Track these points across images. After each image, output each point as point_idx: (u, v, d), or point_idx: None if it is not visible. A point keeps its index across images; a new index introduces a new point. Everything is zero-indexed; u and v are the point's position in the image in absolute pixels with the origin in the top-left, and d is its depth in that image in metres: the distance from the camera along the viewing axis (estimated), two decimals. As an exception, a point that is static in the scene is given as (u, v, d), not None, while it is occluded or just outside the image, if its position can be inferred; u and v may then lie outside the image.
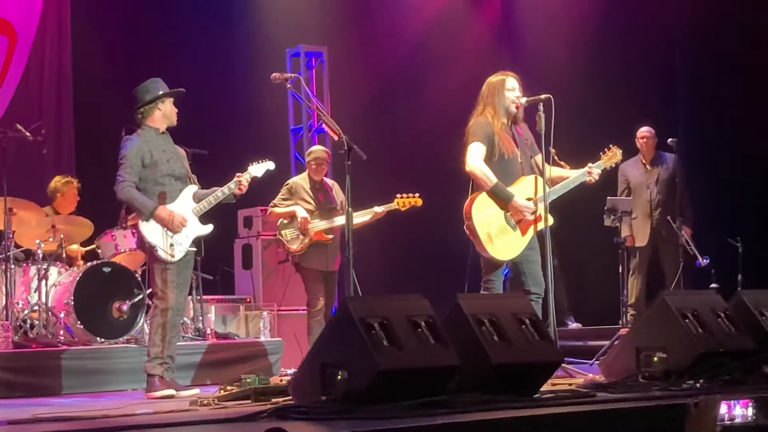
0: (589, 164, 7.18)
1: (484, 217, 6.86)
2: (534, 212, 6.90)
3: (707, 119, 11.03)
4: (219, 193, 7.14)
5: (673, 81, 11.43)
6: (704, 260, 9.48)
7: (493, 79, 7.09)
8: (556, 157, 7.32)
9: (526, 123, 8.23)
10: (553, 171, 7.11)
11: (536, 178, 6.98)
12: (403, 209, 8.83)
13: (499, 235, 6.87)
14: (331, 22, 12.26)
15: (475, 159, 6.89)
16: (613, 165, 7.38)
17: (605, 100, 11.36)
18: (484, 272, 6.99)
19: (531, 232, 6.95)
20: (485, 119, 6.98)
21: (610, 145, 7.31)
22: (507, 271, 10.96)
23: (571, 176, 7.14)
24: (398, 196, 8.80)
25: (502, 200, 6.86)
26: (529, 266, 6.98)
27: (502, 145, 6.93)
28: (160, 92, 7.08)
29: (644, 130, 10.11)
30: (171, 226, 6.87)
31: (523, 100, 7.08)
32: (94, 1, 11.28)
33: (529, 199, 6.93)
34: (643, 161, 10.13)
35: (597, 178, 7.15)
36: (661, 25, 11.54)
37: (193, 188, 7.14)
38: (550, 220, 6.90)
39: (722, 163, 10.85)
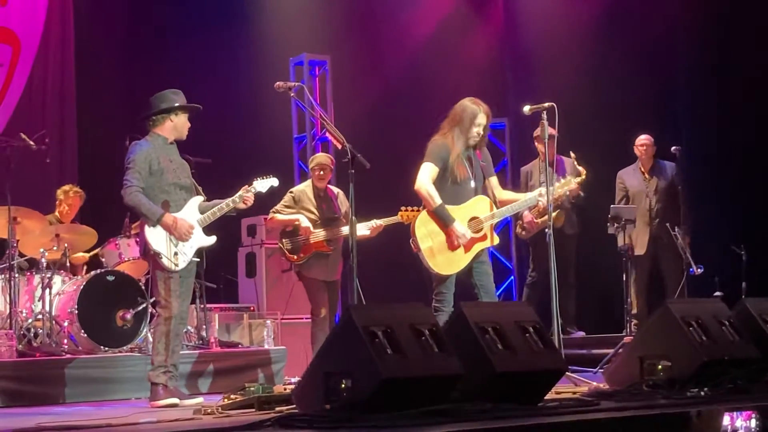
0: (540, 189, 7.33)
1: (427, 233, 7.08)
2: (477, 230, 7.09)
3: (710, 127, 11.02)
4: (224, 206, 7.13)
5: (676, 88, 11.42)
6: (698, 269, 9.44)
7: (469, 106, 7.20)
8: (575, 162, 7.41)
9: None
10: (503, 194, 7.35)
11: (485, 198, 7.22)
12: (406, 222, 8.80)
13: (441, 250, 7.06)
14: (334, 30, 12.28)
15: (423, 178, 7.12)
16: (567, 192, 7.55)
17: (608, 107, 11.36)
18: (434, 285, 7.14)
19: (476, 249, 7.11)
20: (444, 141, 7.17)
21: (566, 175, 7.47)
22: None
23: (520, 199, 7.36)
24: (402, 209, 8.76)
25: (443, 222, 7.06)
26: (480, 278, 7.16)
27: (456, 169, 7.11)
28: (176, 104, 7.05)
29: (643, 138, 10.09)
30: (177, 233, 6.86)
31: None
32: (97, 10, 11.31)
33: (474, 218, 7.12)
34: (642, 170, 10.10)
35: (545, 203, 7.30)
36: (664, 31, 11.53)
37: (198, 199, 7.13)
38: (496, 240, 7.23)
39: (726, 170, 10.83)
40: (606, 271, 10.30)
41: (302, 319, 9.75)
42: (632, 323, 9.48)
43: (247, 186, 7.26)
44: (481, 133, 7.17)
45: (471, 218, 7.11)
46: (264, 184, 7.41)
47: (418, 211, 8.82)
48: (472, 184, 7.17)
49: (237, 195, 7.19)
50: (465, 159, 7.15)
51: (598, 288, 10.87)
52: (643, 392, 5.55)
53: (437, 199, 7.04)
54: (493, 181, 7.36)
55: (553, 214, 7.44)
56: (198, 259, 7.15)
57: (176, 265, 6.88)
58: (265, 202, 8.56)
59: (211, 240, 7.15)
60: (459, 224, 7.03)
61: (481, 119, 7.15)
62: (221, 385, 8.19)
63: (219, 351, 8.83)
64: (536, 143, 9.84)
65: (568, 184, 7.49)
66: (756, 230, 10.27)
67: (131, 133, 7.54)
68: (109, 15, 11.38)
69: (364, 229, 8.55)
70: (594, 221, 9.96)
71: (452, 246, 7.03)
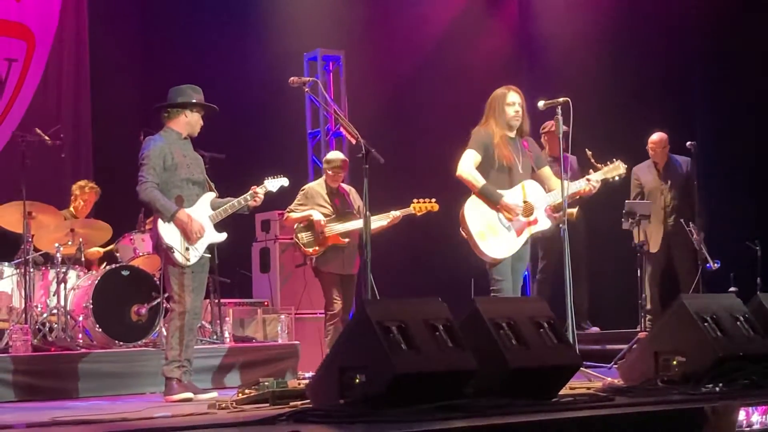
0: (588, 175, 7.22)
1: (477, 216, 6.99)
2: (529, 214, 7.02)
3: (725, 123, 10.99)
4: (235, 203, 7.14)
5: (692, 83, 11.39)
6: (715, 264, 9.40)
7: (498, 91, 7.21)
8: (592, 159, 7.38)
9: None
10: (553, 182, 7.23)
11: (535, 183, 7.12)
12: (418, 214, 8.82)
13: (492, 233, 6.98)
14: (348, 26, 12.28)
15: (463, 163, 7.06)
16: (615, 178, 7.39)
17: (623, 103, 11.33)
18: (490, 272, 7.05)
19: (527, 233, 7.05)
20: (485, 129, 7.14)
21: (614, 159, 7.34)
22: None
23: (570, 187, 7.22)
24: (415, 201, 8.78)
25: (491, 201, 6.99)
26: (512, 274, 7.06)
27: (501, 155, 7.05)
28: (193, 100, 7.07)
29: (655, 137, 10.03)
30: (189, 231, 6.88)
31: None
32: (111, 5, 11.33)
33: (524, 203, 7.03)
34: (657, 167, 10.06)
35: (596, 188, 7.19)
36: (678, 26, 11.50)
37: (210, 195, 7.15)
38: (548, 224, 7.07)
39: (741, 166, 10.80)
40: (621, 266, 10.27)
41: (316, 314, 9.77)
42: (647, 319, 9.45)
43: (254, 186, 7.26)
44: (518, 110, 7.11)
45: (522, 202, 7.03)
46: (275, 183, 7.41)
47: (431, 203, 8.85)
48: (519, 170, 7.09)
49: (248, 193, 7.19)
50: (509, 143, 7.10)
51: (612, 284, 10.84)
52: (657, 388, 5.53)
53: (480, 180, 6.98)
54: (546, 171, 7.29)
55: (574, 210, 7.42)
56: (209, 255, 7.16)
57: (188, 260, 6.90)
58: (280, 196, 8.56)
59: (222, 236, 7.16)
60: (508, 197, 6.96)
61: (513, 98, 7.12)
62: (235, 380, 8.22)
63: (233, 346, 8.85)
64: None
65: (617, 169, 7.33)
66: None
67: (146, 127, 7.53)
68: (123, 10, 11.41)
69: (382, 220, 8.59)
70: (609, 217, 9.93)
71: (512, 219, 6.94)
